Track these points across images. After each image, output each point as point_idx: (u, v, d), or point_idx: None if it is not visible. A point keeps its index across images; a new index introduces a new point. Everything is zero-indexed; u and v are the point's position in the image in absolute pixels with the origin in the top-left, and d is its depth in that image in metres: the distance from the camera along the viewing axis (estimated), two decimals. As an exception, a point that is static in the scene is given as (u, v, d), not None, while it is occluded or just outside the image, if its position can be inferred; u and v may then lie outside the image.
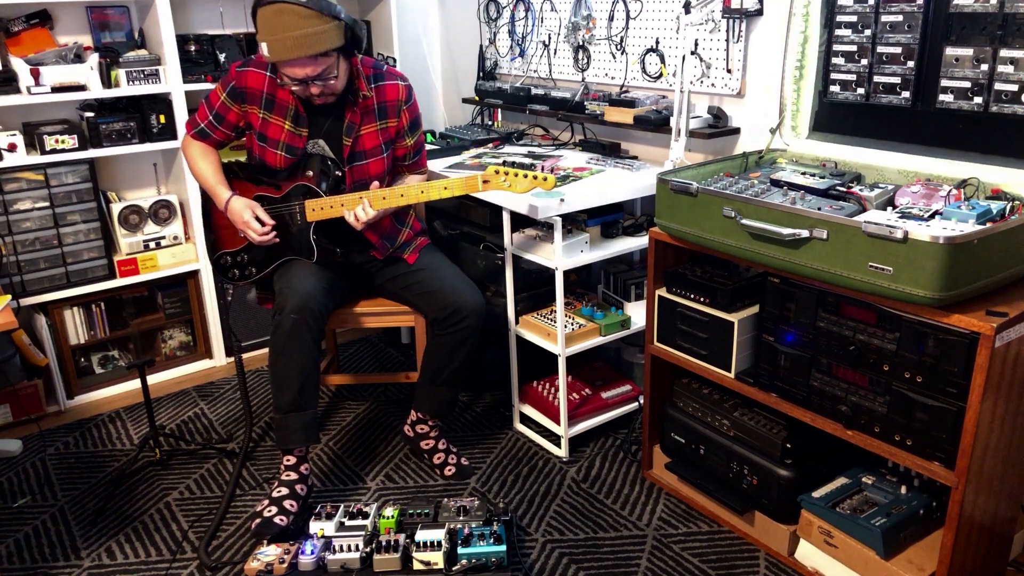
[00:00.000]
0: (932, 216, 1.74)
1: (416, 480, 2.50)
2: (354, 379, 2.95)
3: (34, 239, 2.87)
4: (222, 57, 3.11)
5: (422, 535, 2.05)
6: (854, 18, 2.08)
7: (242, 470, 2.56)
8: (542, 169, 2.33)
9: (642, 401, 2.45)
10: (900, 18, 1.98)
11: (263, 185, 2.34)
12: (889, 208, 1.88)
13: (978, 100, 1.87)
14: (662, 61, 2.71)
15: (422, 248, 2.50)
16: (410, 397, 2.57)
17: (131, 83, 2.91)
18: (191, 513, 2.37)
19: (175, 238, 3.16)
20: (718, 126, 2.56)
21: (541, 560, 2.13)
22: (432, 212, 2.92)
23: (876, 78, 2.06)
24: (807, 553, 2.04)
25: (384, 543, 2.03)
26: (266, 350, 3.31)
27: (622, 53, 2.86)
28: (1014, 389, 1.68)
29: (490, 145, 3.10)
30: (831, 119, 2.22)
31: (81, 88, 2.83)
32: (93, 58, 2.85)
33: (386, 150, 2.38)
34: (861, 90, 2.10)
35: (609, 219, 2.59)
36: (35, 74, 2.74)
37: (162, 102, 3.01)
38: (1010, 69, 1.81)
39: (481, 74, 3.46)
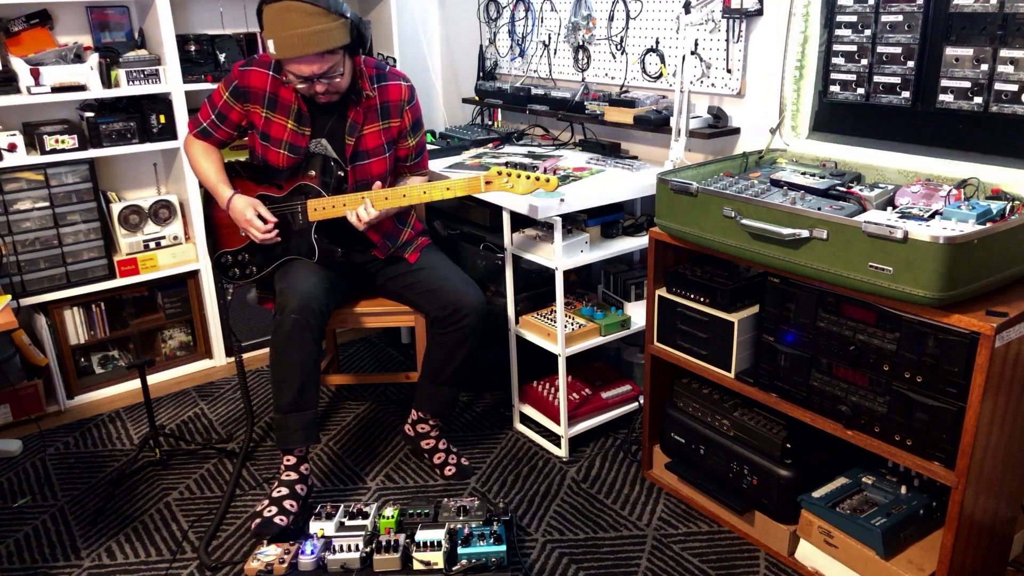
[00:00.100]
0: (932, 216, 1.74)
1: (416, 480, 2.50)
2: (354, 379, 2.95)
3: (34, 239, 2.88)
4: (222, 57, 3.11)
5: (422, 535, 2.05)
6: (854, 18, 2.08)
7: (242, 470, 2.56)
8: (544, 170, 2.32)
9: (642, 401, 2.45)
10: (900, 18, 1.98)
11: (265, 184, 2.35)
12: (889, 208, 1.88)
13: (978, 100, 1.87)
14: (662, 61, 2.71)
15: (423, 248, 2.50)
16: (410, 397, 2.57)
17: (131, 83, 2.91)
18: (191, 513, 2.37)
19: (175, 238, 3.16)
20: (718, 126, 2.56)
21: (541, 560, 2.13)
22: (432, 212, 2.92)
23: (876, 78, 2.06)
24: (807, 553, 2.04)
25: (384, 543, 2.03)
26: (266, 350, 3.33)
27: (622, 53, 2.86)
28: (1014, 389, 1.68)
29: (490, 145, 3.10)
30: (831, 119, 2.22)
31: (81, 88, 2.83)
32: (93, 58, 2.85)
33: (388, 150, 2.38)
34: (861, 90, 2.10)
35: (609, 219, 2.59)
36: (35, 74, 2.74)
37: (162, 102, 3.01)
38: (1010, 69, 1.81)
39: (481, 74, 3.46)
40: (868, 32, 2.06)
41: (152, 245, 3.11)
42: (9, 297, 2.20)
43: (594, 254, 2.49)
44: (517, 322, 2.62)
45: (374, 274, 2.49)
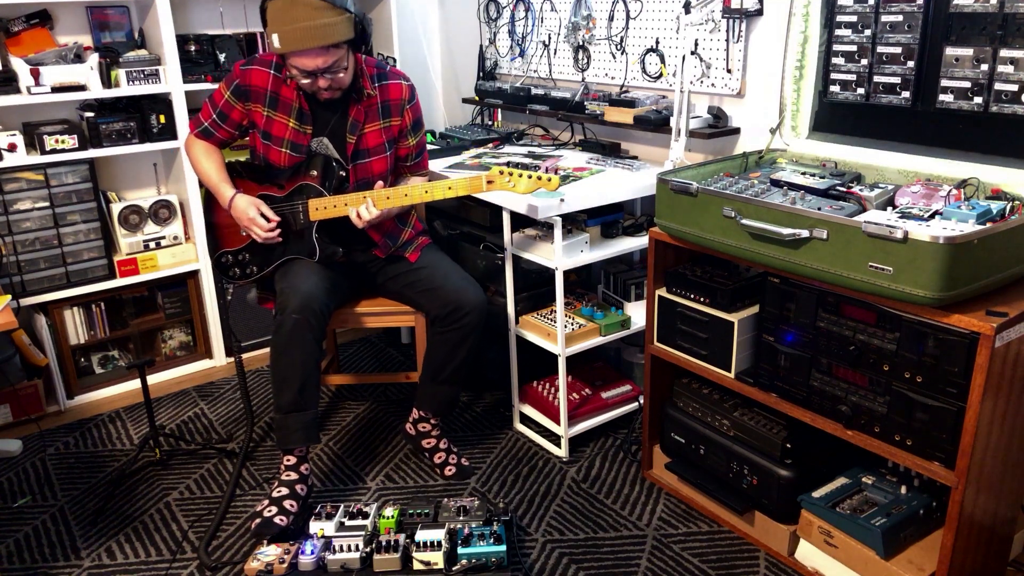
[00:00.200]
0: (932, 216, 1.74)
1: (416, 480, 2.50)
2: (354, 379, 2.95)
3: (34, 239, 2.87)
4: (222, 57, 3.11)
5: (422, 535, 2.05)
6: (854, 18, 2.08)
7: (242, 470, 2.56)
8: (545, 170, 2.32)
9: (642, 401, 2.45)
10: (900, 18, 1.98)
11: (266, 184, 2.35)
12: (889, 208, 1.88)
13: (978, 100, 1.87)
14: (662, 61, 2.71)
15: (424, 247, 2.50)
16: (410, 397, 2.57)
17: (131, 83, 2.91)
18: (191, 513, 2.37)
19: (175, 238, 3.16)
20: (718, 126, 2.56)
21: (541, 560, 2.13)
22: (432, 212, 2.92)
23: (876, 78, 2.06)
24: (807, 553, 2.04)
25: (384, 543, 2.03)
26: (266, 350, 3.33)
27: (622, 53, 2.86)
28: (1014, 389, 1.68)
29: (490, 145, 3.10)
30: (831, 119, 2.22)
31: (81, 88, 2.83)
32: (93, 58, 2.85)
33: (389, 149, 2.38)
34: (861, 90, 2.10)
35: (609, 219, 2.59)
36: (35, 74, 2.74)
37: (162, 102, 3.01)
38: (1010, 69, 1.81)
39: (481, 74, 3.46)
40: (868, 32, 2.06)
41: (152, 245, 3.11)
42: (9, 297, 2.20)
43: (594, 254, 2.49)
44: (517, 322, 2.62)
45: (375, 273, 2.49)
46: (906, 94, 2.01)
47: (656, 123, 2.58)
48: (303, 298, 2.19)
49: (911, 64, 1.98)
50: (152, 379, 3.07)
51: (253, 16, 3.31)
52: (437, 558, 2.00)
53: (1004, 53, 1.81)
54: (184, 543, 2.24)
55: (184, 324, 3.31)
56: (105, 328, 3.11)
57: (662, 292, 2.26)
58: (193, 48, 3.07)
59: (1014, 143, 1.84)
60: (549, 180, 2.16)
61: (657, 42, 2.73)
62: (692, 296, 2.17)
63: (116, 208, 3.04)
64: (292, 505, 2.21)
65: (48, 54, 2.82)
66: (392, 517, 2.13)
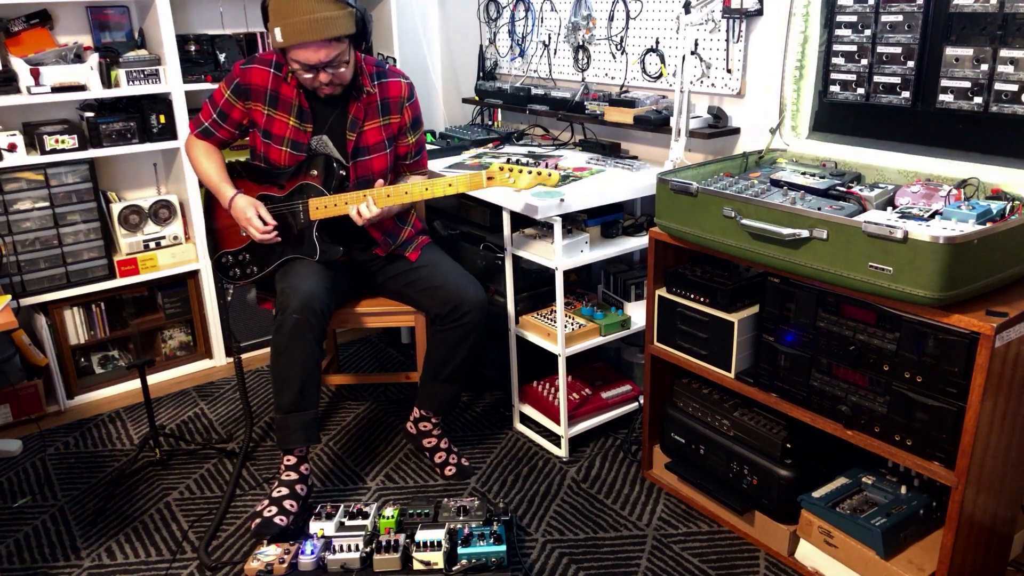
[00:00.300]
0: (932, 216, 1.74)
1: (416, 480, 2.50)
2: (354, 379, 2.95)
3: (34, 239, 2.87)
4: (222, 57, 3.11)
5: (422, 535, 2.05)
6: (854, 18, 2.08)
7: (242, 470, 2.56)
8: (544, 166, 2.33)
9: (642, 401, 2.45)
10: (900, 18, 1.98)
11: (267, 184, 2.35)
12: (889, 208, 1.88)
13: (978, 100, 1.87)
14: (662, 61, 2.71)
15: (424, 246, 2.50)
16: (410, 397, 2.57)
17: (131, 83, 2.91)
18: (191, 513, 2.37)
19: (175, 238, 3.16)
20: (718, 126, 2.56)
21: (541, 560, 2.13)
22: (432, 212, 2.92)
23: (876, 78, 2.06)
24: (807, 553, 2.04)
25: (384, 543, 2.03)
26: (266, 350, 3.33)
27: (622, 53, 2.86)
28: (1014, 389, 1.68)
29: (490, 145, 3.10)
30: (831, 119, 2.22)
31: (81, 88, 2.83)
32: (93, 58, 2.85)
33: (389, 146, 2.38)
34: (861, 90, 2.10)
35: (609, 219, 2.59)
36: (35, 74, 2.74)
37: (162, 102, 3.01)
38: (1010, 69, 1.81)
39: (481, 74, 3.46)
40: (868, 32, 2.06)
41: (152, 245, 3.11)
42: (9, 297, 2.20)
43: (594, 254, 2.49)
44: (517, 322, 2.62)
45: (375, 273, 2.49)
46: (906, 94, 2.01)
47: (656, 123, 2.58)
48: (303, 298, 2.19)
49: (911, 64, 1.98)
50: (152, 379, 3.07)
51: (253, 16, 3.31)
52: (437, 558, 2.00)
53: (1004, 53, 1.81)
54: (184, 543, 2.24)
55: (184, 324, 3.31)
56: (105, 328, 3.11)
57: (662, 292, 2.26)
58: (193, 48, 3.07)
59: (1014, 143, 1.84)
60: (549, 175, 2.16)
61: (657, 42, 2.73)
62: (692, 296, 2.17)
63: (116, 208, 3.04)
64: (292, 505, 2.21)
65: (48, 54, 2.82)
66: (392, 517, 2.13)
